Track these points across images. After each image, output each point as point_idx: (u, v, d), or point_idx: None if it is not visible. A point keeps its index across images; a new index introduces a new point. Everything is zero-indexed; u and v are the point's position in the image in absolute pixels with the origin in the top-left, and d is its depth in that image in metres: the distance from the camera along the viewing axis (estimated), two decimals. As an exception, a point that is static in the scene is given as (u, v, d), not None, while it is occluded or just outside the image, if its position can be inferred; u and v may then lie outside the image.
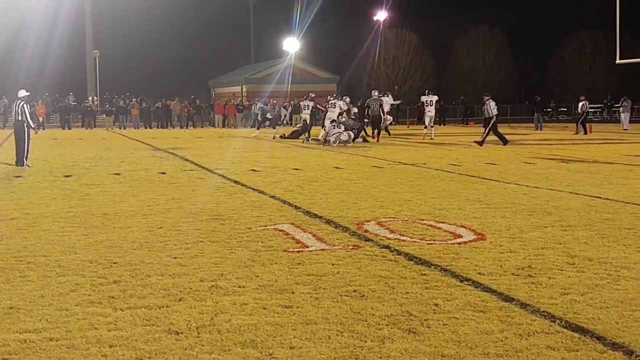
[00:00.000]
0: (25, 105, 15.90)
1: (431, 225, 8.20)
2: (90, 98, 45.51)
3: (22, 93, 16.16)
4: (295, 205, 9.77)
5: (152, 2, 63.63)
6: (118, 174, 13.97)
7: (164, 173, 14.20)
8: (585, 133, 31.28)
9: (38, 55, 50.67)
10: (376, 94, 27.39)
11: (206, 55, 72.17)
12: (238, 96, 52.38)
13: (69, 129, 40.14)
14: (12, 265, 6.22)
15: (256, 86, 55.16)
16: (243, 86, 57.32)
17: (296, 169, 15.04)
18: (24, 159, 15.61)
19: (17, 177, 13.53)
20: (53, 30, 51.02)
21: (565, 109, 58.24)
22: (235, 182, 12.69)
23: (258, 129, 30.88)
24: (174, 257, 6.53)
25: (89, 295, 5.29)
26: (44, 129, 40.54)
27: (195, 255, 6.66)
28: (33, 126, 16.13)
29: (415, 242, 7.23)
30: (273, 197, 10.70)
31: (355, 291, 5.41)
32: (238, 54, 71.38)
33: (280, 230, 7.88)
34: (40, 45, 51.06)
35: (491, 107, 23.26)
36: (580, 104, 32.50)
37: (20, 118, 15.88)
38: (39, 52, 50.79)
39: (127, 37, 64.22)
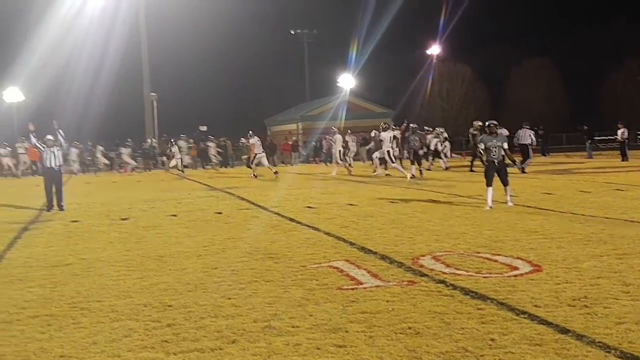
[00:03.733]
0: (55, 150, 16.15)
1: (487, 258, 8.05)
2: (149, 140, 46.44)
3: (47, 138, 16.34)
4: (350, 242, 9.71)
5: (207, 43, 65.05)
6: (175, 216, 14.15)
7: (220, 213, 14.32)
8: (626, 160, 31.06)
9: (95, 100, 52.07)
10: (478, 124, 26.78)
11: (261, 93, 73.21)
12: (294, 134, 52.76)
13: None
14: (66, 312, 6.30)
15: (311, 123, 55.51)
16: (299, 124, 57.78)
17: (351, 205, 14.99)
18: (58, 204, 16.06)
19: (73, 221, 13.76)
20: (110, 74, 52.36)
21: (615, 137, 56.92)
22: (290, 219, 12.70)
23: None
24: (228, 298, 6.53)
25: (142, 340, 5.31)
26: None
27: (249, 295, 6.65)
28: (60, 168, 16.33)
29: (471, 276, 7.11)
30: (328, 233, 10.67)
31: (410, 328, 5.32)
32: (293, 92, 72.10)
33: (334, 268, 7.84)
34: (98, 91, 52.46)
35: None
36: (620, 131, 32.57)
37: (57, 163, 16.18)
38: (96, 97, 52.19)
39: (182, 78, 65.67)
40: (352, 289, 6.76)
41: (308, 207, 14.89)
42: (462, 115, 65.39)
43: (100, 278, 7.85)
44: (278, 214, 13.69)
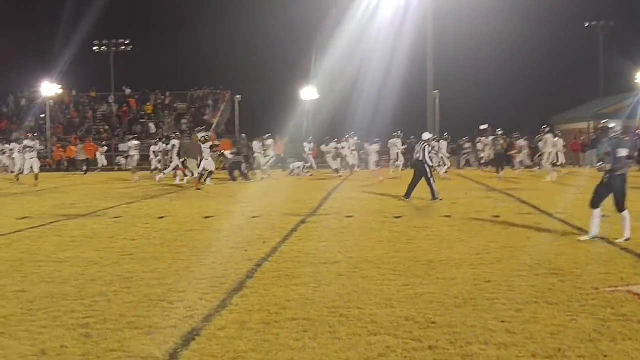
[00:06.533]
0: (426, 147, 17.13)
1: None
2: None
3: (426, 135, 17.58)
4: (654, 261, 8.17)
5: (493, 39, 63.34)
6: (448, 217, 13.35)
7: (497, 216, 13.23)
8: None
9: (377, 97, 53.26)
10: None
11: (549, 90, 69.59)
12: (584, 133, 49.36)
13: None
14: (324, 318, 5.82)
15: (604, 122, 51.45)
16: (590, 122, 53.87)
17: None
18: (434, 195, 16.90)
19: (348, 217, 13.57)
20: (396, 73, 53.20)
21: None
22: (579, 229, 11.22)
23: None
24: (502, 321, 5.58)
25: (398, 364, 4.60)
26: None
27: (527, 320, 5.63)
28: (431, 164, 17.28)
29: None
30: (625, 249, 9.16)
31: None
32: (584, 88, 67.57)
33: (635, 294, 6.49)
34: (385, 89, 53.62)
35: None
36: None
37: (420, 158, 17.10)
38: (378, 95, 53.39)
39: (465, 74, 64.58)
40: (660, 324, 5.44)
41: (602, 215, 13.16)
42: None
43: (364, 281, 7.32)
44: (564, 222, 12.25)
